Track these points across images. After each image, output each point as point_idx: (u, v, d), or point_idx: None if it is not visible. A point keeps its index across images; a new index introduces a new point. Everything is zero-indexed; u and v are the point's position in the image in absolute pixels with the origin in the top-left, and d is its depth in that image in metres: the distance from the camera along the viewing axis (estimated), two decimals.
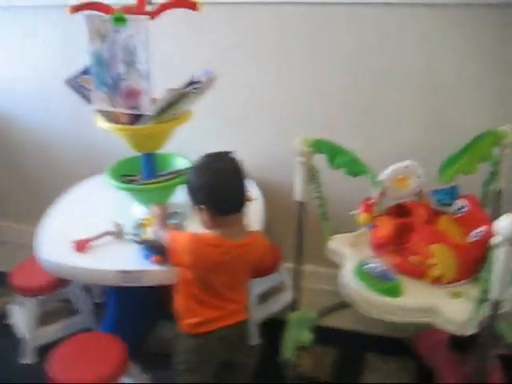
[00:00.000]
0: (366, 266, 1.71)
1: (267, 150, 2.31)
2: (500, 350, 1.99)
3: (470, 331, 1.58)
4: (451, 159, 1.84)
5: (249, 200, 1.60)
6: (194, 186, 1.55)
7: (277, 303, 2.27)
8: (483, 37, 1.94)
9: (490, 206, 1.96)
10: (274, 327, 2.17)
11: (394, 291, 1.65)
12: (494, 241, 1.41)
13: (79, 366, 1.68)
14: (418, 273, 1.69)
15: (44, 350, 1.78)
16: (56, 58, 2.38)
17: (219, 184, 1.51)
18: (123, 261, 1.75)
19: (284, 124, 2.25)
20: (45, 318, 2.18)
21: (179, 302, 1.63)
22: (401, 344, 2.11)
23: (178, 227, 1.77)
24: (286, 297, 2.24)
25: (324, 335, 2.19)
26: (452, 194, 1.89)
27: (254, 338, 2.17)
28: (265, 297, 2.26)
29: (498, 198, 1.96)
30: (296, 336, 2.11)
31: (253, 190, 2.11)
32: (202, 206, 1.52)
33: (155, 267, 1.72)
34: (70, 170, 2.62)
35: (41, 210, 2.09)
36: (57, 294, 2.15)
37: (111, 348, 1.73)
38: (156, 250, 1.69)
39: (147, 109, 1.72)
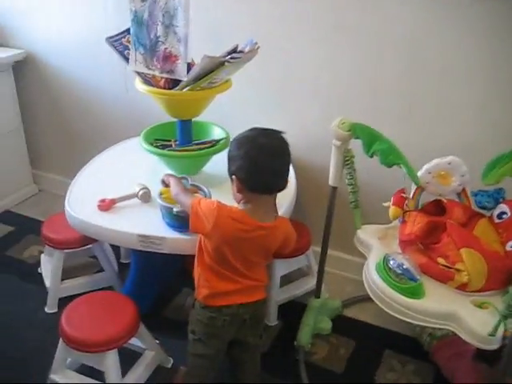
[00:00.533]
0: (390, 262, 1.63)
1: (308, 130, 2.23)
2: None
3: (490, 346, 1.48)
4: (499, 160, 1.71)
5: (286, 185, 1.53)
6: (231, 154, 1.50)
7: (301, 286, 2.22)
8: None
9: None
10: (295, 310, 2.14)
11: (415, 292, 1.56)
12: None
13: (90, 322, 1.69)
14: (444, 276, 1.59)
15: (67, 302, 1.81)
16: (109, 17, 2.37)
17: (256, 158, 1.44)
18: (144, 225, 1.74)
19: (327, 105, 2.16)
20: (71, 272, 2.22)
21: (196, 271, 1.61)
22: (421, 346, 2.02)
23: (199, 190, 1.75)
24: (312, 281, 2.18)
25: (344, 326, 2.15)
26: (496, 197, 1.76)
27: (273, 319, 2.14)
28: (289, 279, 2.21)
29: None
30: (315, 323, 2.06)
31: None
32: (233, 177, 1.49)
33: (175, 235, 1.70)
34: (114, 130, 2.64)
35: (82, 164, 2.12)
36: (85, 249, 2.17)
37: (124, 309, 1.73)
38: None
39: (182, 74, 1.68)
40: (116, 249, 2.38)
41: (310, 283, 2.19)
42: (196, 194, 1.69)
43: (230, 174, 1.50)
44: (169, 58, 1.68)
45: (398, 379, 1.93)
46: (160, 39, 1.68)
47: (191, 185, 1.76)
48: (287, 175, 1.51)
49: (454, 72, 1.93)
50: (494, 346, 1.47)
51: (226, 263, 1.53)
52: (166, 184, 1.74)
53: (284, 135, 1.51)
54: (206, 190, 1.75)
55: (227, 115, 2.23)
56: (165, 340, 1.97)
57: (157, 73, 1.72)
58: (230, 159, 1.50)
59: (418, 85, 1.99)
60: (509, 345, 1.45)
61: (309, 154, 2.24)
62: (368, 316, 2.20)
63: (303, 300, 2.17)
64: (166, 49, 1.68)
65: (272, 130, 1.52)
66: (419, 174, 1.76)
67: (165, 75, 1.72)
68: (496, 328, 1.44)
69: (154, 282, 2.11)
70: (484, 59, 1.87)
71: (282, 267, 2.09)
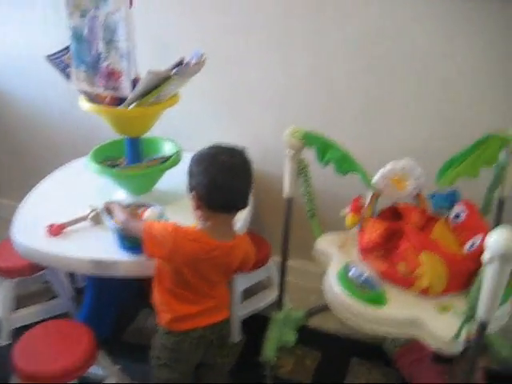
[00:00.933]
0: (350, 271, 1.61)
1: (262, 139, 2.20)
2: (493, 364, 1.94)
3: (455, 350, 1.47)
4: (452, 161, 1.70)
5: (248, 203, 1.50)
6: (191, 170, 1.46)
7: (263, 300, 2.18)
8: (501, 31, 1.78)
9: (492, 214, 1.83)
10: (258, 324, 2.09)
11: (376, 300, 1.54)
12: (484, 257, 1.30)
13: (44, 354, 1.62)
14: (405, 282, 1.58)
15: (24, 332, 1.72)
16: (50, 34, 2.29)
17: (216, 176, 1.40)
18: (96, 249, 1.67)
19: (280, 113, 2.13)
20: (24, 300, 2.13)
21: (156, 296, 1.56)
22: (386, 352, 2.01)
23: (142, 207, 1.69)
24: (273, 293, 2.15)
25: (308, 336, 2.12)
26: (451, 199, 1.76)
27: (236, 335, 2.09)
28: (250, 292, 2.17)
29: (501, 205, 1.83)
30: (279, 336, 2.02)
31: None
32: (193, 194, 1.44)
33: (129, 258, 1.64)
34: (63, 149, 2.55)
35: (32, 187, 2.04)
36: (38, 276, 2.09)
37: (80, 337, 1.66)
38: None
39: (127, 91, 1.63)
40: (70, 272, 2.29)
41: (272, 295, 2.15)
42: (146, 217, 1.63)
43: (190, 190, 1.46)
44: (112, 74, 1.62)
45: None
46: (102, 55, 1.61)
47: (130, 205, 1.71)
48: (248, 194, 1.48)
49: (409, 73, 1.92)
50: (458, 350, 1.47)
51: (187, 285, 1.48)
52: (108, 212, 1.66)
53: (246, 152, 1.48)
54: (157, 207, 1.69)
55: (178, 129, 2.19)
56: (127, 364, 1.91)
57: (100, 90, 1.66)
58: (190, 175, 1.46)
59: (373, 88, 1.98)
60: (473, 347, 1.44)
61: (264, 164, 2.20)
62: (332, 325, 2.16)
63: (266, 313, 2.12)
64: (108, 65, 1.62)
65: (234, 147, 1.48)
66: (374, 179, 1.75)
67: (109, 93, 1.66)
68: (460, 331, 1.44)
69: (110, 305, 2.04)
70: (437, 56, 1.87)
71: (242, 281, 2.05)
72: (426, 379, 1.82)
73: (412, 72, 1.92)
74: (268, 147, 2.17)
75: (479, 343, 1.41)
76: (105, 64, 1.62)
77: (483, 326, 1.37)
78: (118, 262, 1.64)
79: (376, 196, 1.78)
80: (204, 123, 2.27)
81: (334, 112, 2.07)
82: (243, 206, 1.48)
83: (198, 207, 1.45)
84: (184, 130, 2.22)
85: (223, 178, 1.40)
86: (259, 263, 2.05)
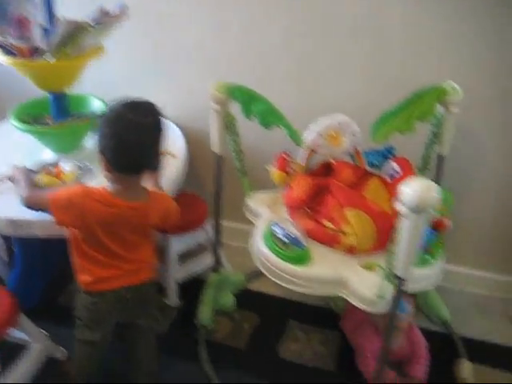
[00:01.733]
0: (275, 230, 1.55)
1: (192, 97, 2.11)
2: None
3: (380, 309, 1.42)
4: (386, 116, 1.64)
5: (159, 163, 1.44)
6: (100, 130, 1.37)
7: (201, 263, 2.11)
8: None
9: (430, 172, 1.77)
10: (198, 288, 2.04)
11: (300, 259, 1.50)
12: (399, 210, 1.24)
13: None
14: (331, 240, 1.53)
15: None
16: None
17: (123, 137, 1.32)
18: (13, 209, 1.59)
19: (210, 70, 2.05)
20: None
21: (74, 259, 1.49)
22: (328, 314, 1.96)
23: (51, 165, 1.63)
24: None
25: (247, 300, 2.07)
26: (386, 155, 1.70)
27: (174, 299, 2.03)
28: (188, 255, 2.10)
29: (440, 163, 1.77)
30: (216, 299, 1.98)
31: (177, 141, 1.96)
32: (101, 155, 1.37)
33: (46, 217, 1.57)
34: None
35: None
36: None
37: None
38: None
39: (39, 41, 1.53)
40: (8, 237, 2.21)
41: (212, 258, 2.09)
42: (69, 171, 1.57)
43: (98, 149, 1.38)
44: (22, 22, 1.52)
45: (302, 349, 1.87)
46: (11, 3, 1.51)
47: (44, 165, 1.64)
48: (157, 154, 1.40)
49: (340, 30, 1.84)
50: (384, 309, 1.42)
51: (103, 248, 1.43)
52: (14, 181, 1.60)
53: (158, 108, 1.38)
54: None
55: (107, 85, 2.08)
56: (61, 329, 1.84)
57: (11, 41, 1.56)
58: (98, 134, 1.37)
59: (304, 46, 1.91)
60: (391, 302, 1.39)
61: (197, 122, 2.12)
62: (271, 288, 2.10)
63: (205, 277, 2.07)
64: (17, 12, 1.52)
65: (144, 102, 1.38)
66: (309, 135, 1.68)
67: (21, 43, 1.56)
68: (382, 289, 1.38)
69: (43, 268, 1.97)
70: (368, 11, 1.79)
71: (178, 244, 1.98)
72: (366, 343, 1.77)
73: (343, 28, 1.84)
74: (199, 104, 2.07)
75: (397, 299, 1.36)
76: (14, 12, 1.52)
77: (400, 282, 1.32)
78: (34, 222, 1.56)
79: (311, 152, 1.71)
80: (133, 79, 2.17)
81: (266, 69, 1.99)
82: (153, 166, 1.42)
83: (106, 169, 1.38)
84: (112, 86, 2.09)
85: (128, 138, 1.33)
86: (194, 224, 1.97)
